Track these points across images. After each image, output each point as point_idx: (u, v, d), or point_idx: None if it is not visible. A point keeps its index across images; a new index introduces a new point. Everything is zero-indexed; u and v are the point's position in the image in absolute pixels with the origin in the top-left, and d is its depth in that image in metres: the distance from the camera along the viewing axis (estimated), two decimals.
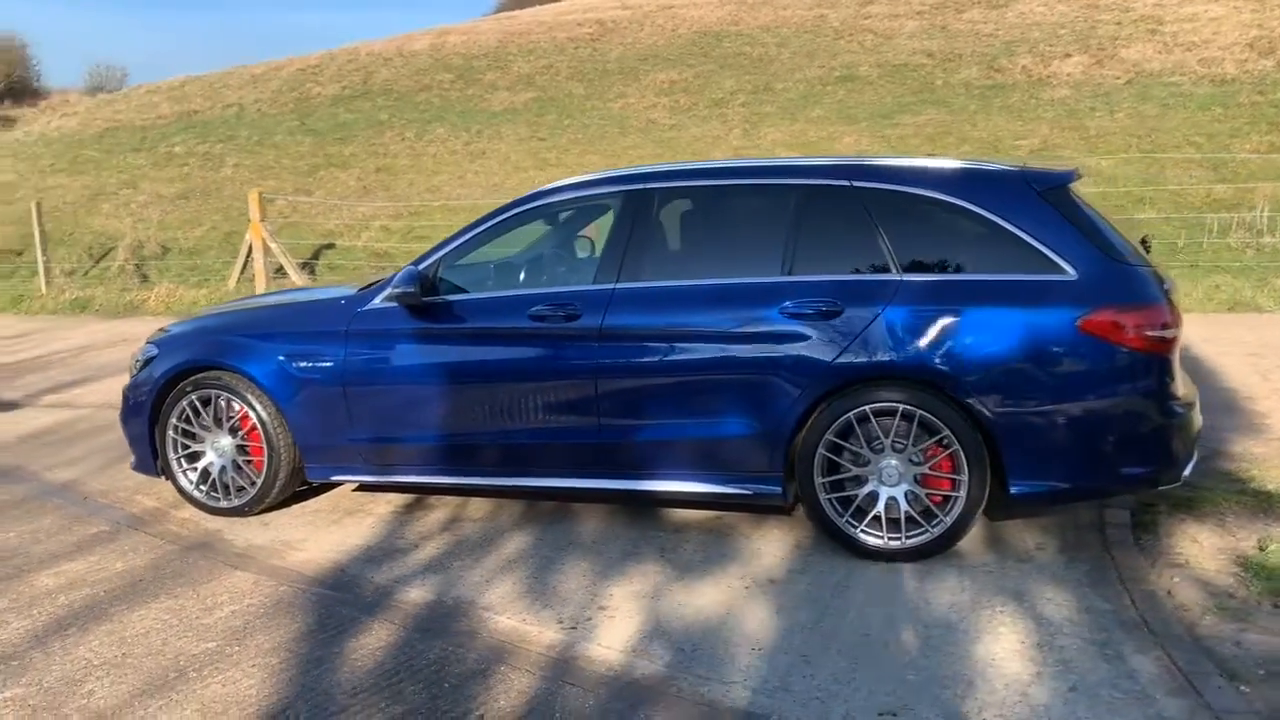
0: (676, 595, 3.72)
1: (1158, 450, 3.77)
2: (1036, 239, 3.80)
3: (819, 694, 2.99)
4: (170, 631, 3.56)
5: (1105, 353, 3.68)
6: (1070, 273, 3.75)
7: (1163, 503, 4.37)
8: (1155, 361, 3.71)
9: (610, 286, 4.20)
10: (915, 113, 16.07)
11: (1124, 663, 3.09)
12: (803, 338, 3.90)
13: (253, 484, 4.66)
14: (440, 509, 4.74)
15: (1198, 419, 3.93)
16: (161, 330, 5.11)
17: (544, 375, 4.23)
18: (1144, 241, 4.34)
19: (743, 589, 3.76)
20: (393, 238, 13.64)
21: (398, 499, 4.90)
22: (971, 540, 4.09)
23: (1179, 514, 4.27)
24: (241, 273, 12.12)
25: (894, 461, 3.87)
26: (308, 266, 12.80)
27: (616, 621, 3.52)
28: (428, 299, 4.39)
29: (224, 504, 4.73)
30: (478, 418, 4.33)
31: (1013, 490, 3.80)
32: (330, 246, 13.67)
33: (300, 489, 4.85)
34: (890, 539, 3.90)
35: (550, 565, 4.03)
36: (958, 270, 3.87)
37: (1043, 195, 3.88)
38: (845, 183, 4.05)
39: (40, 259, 13.05)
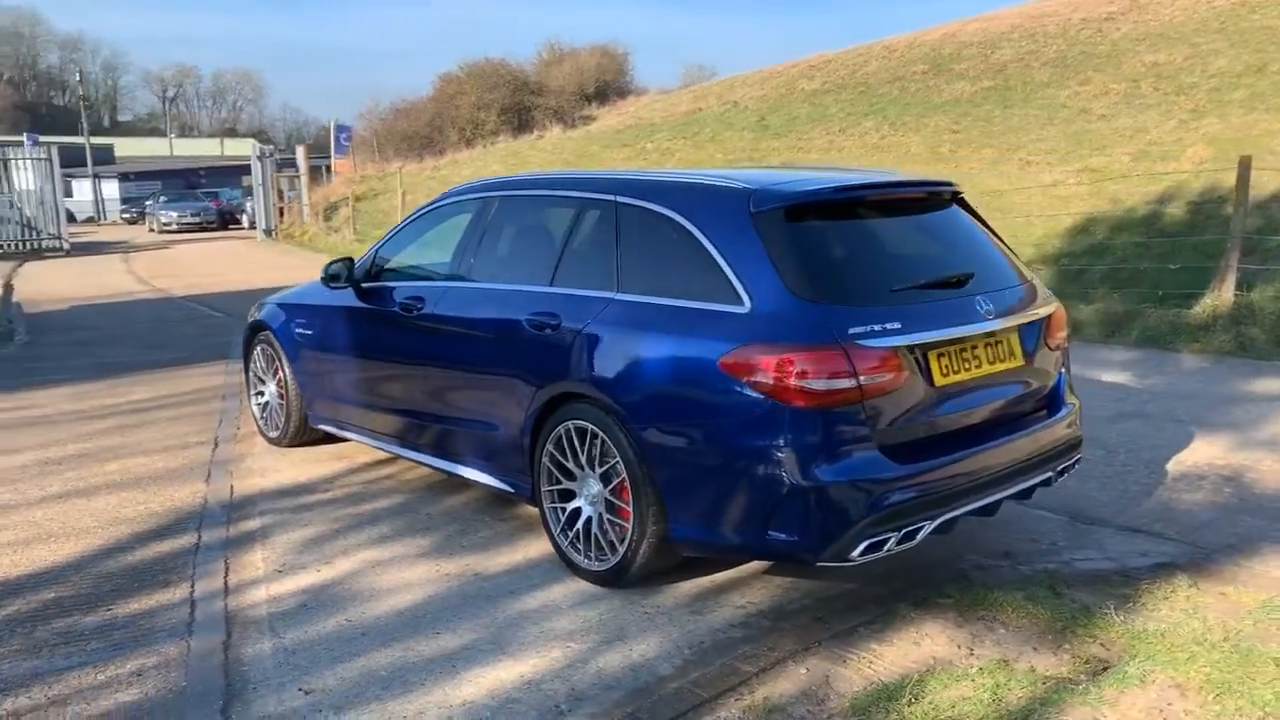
0: (391, 567, 4.11)
1: (808, 519, 3.21)
2: (729, 265, 3.44)
3: (301, 663, 3.29)
4: (98, 513, 4.89)
5: (746, 397, 3.25)
6: (745, 305, 3.36)
7: (982, 587, 3.61)
8: (805, 414, 3.17)
9: (445, 284, 4.63)
10: None
11: None
12: (535, 348, 3.99)
13: (284, 421, 5.90)
14: (392, 467, 5.52)
15: (902, 490, 3.24)
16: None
17: (400, 357, 4.80)
18: (957, 279, 3.58)
19: (443, 575, 4.02)
20: None
21: (382, 456, 5.77)
22: (709, 582, 3.82)
23: (958, 606, 3.49)
24: None
25: (594, 481, 3.81)
26: None
27: (314, 574, 4.05)
28: (367, 284, 5.17)
29: (270, 434, 6.05)
30: (374, 389, 5.05)
31: (670, 532, 3.54)
32: None
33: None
34: (586, 558, 3.85)
35: (367, 525, 4.63)
36: (656, 292, 3.65)
37: (756, 217, 3.47)
38: (611, 198, 3.98)
39: None
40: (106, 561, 4.26)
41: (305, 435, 5.87)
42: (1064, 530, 4.33)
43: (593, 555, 3.82)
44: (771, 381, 3.19)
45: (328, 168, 34.32)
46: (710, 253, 3.51)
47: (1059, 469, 3.84)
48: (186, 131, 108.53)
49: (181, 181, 49.25)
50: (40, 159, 24.77)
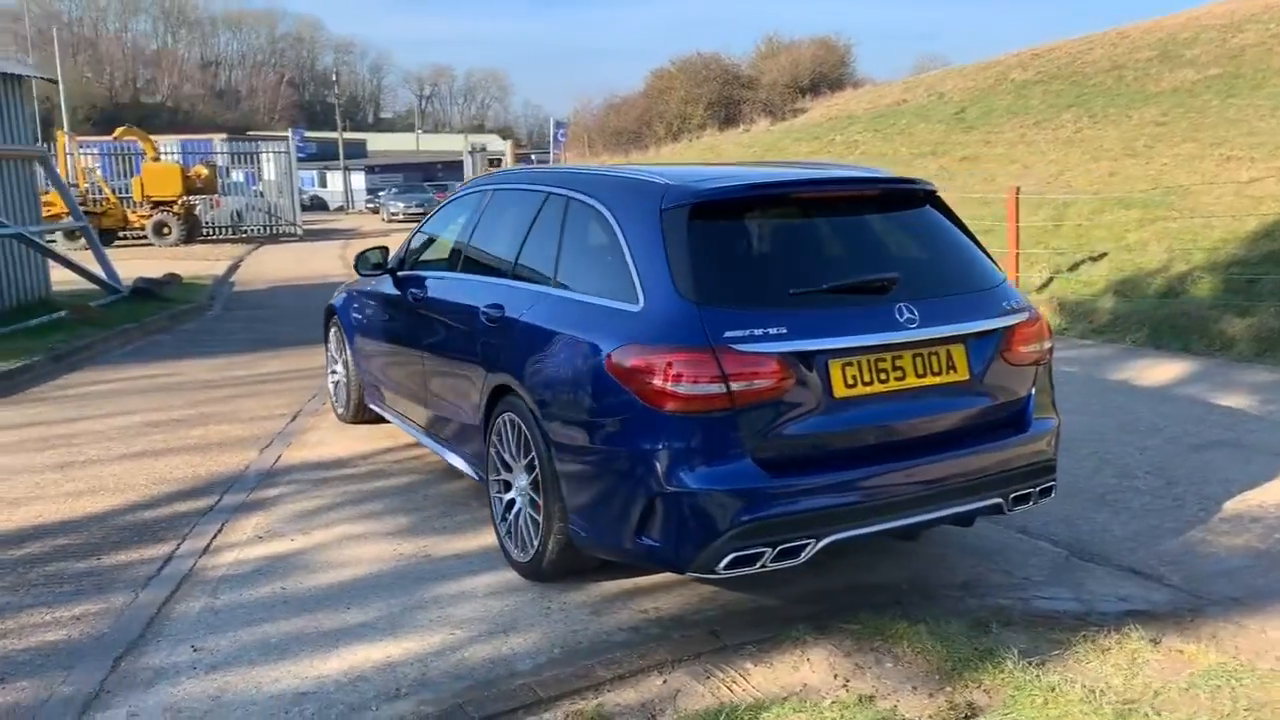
0: (356, 543, 4.29)
1: (673, 527, 3.10)
2: (635, 262, 3.37)
3: (215, 623, 3.52)
4: (153, 473, 5.41)
5: (623, 398, 3.18)
6: (639, 304, 3.28)
7: (894, 616, 3.33)
8: (673, 418, 3.06)
9: (440, 274, 4.79)
10: None
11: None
12: (485, 338, 4.06)
13: (345, 399, 6.29)
14: (425, 449, 5.75)
15: (778, 504, 3.05)
16: None
17: (410, 343, 4.99)
18: (880, 284, 3.31)
19: (396, 554, 4.16)
20: None
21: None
22: (630, 584, 3.77)
23: (859, 634, 3.25)
24: None
25: (523, 474, 3.83)
26: None
27: (286, 543, 4.31)
28: (401, 272, 5.40)
29: (338, 410, 6.46)
30: (395, 373, 5.28)
31: (568, 530, 3.51)
32: None
33: None
34: (515, 549, 3.88)
35: (365, 501, 4.85)
36: (582, 287, 3.62)
37: (664, 214, 3.37)
38: (563, 192, 3.98)
39: None
40: (128, 516, 4.71)
41: (365, 413, 6.21)
42: (1052, 564, 3.92)
43: (518, 547, 3.85)
44: (642, 383, 3.10)
45: (541, 162, 35.67)
46: (623, 249, 3.45)
47: (1014, 495, 3.48)
48: (439, 127, 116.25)
49: (421, 174, 52.74)
50: (280, 153, 27.34)
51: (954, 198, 13.45)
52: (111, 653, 3.31)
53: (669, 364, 3.05)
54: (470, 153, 28.74)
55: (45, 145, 20.54)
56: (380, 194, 43.99)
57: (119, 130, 24.66)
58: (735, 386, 3.04)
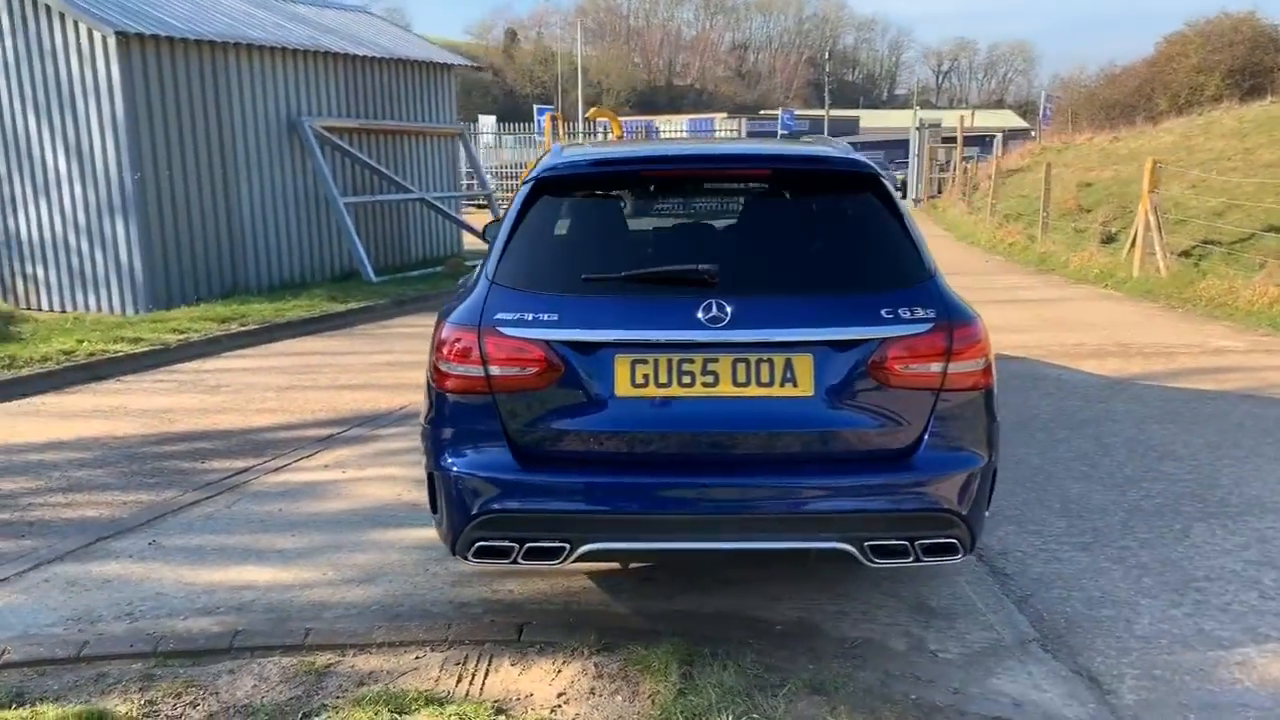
0: (383, 483, 4.70)
1: (437, 506, 3.06)
2: (506, 235, 3.30)
3: (200, 526, 4.14)
4: (331, 404, 6.30)
5: (429, 374, 3.16)
6: (488, 279, 3.22)
7: (716, 658, 2.97)
8: (443, 397, 3.03)
9: None
10: None
11: None
12: None
13: None
14: None
15: (529, 500, 2.86)
16: None
17: None
18: (699, 276, 2.87)
19: (396, 498, 4.50)
20: None
21: None
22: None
23: (633, 663, 2.92)
24: (1131, 247, 11.62)
25: None
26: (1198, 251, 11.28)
27: (338, 473, 4.85)
28: None
29: None
30: None
31: None
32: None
33: None
34: None
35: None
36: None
37: (525, 188, 3.24)
38: None
39: (1041, 216, 14.57)
40: (265, 435, 5.59)
41: None
42: (989, 646, 3.12)
43: None
44: (433, 360, 3.08)
45: (1005, 138, 33.41)
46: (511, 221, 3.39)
47: (874, 545, 2.83)
48: (954, 103, 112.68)
49: (900, 151, 51.84)
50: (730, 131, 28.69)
51: None
52: (103, 532, 4.07)
53: (450, 342, 3.00)
54: (918, 129, 27.62)
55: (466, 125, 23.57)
56: None
57: (592, 110, 27.53)
58: (494, 370, 2.90)
